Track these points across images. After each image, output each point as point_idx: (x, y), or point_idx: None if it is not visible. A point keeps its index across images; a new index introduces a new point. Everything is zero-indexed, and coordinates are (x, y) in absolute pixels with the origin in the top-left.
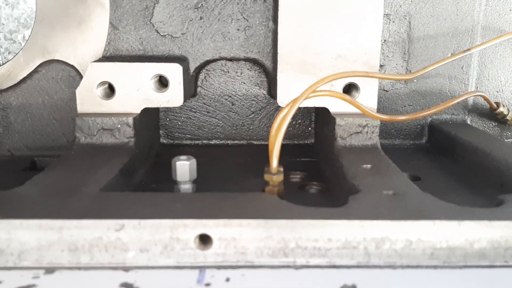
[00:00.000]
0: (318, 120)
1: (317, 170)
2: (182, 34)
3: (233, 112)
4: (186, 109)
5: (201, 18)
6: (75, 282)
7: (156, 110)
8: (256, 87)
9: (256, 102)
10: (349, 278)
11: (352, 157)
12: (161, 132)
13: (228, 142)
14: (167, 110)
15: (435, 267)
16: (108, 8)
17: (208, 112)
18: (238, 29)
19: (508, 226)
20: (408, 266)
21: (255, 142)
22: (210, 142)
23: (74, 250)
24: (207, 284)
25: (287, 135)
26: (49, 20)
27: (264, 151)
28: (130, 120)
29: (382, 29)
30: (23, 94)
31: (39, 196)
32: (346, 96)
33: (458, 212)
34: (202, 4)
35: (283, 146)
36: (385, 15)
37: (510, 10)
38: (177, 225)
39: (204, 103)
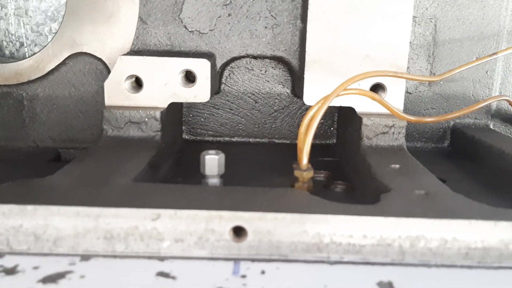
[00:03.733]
0: (341, 120)
1: (340, 170)
2: (210, 30)
3: (256, 110)
4: (209, 106)
5: (229, 15)
6: (112, 270)
7: (180, 106)
8: (279, 85)
9: (279, 101)
10: (384, 275)
11: (379, 157)
12: (183, 128)
13: (250, 139)
14: (190, 106)
15: (469, 267)
16: (138, 3)
17: (231, 109)
18: (266, 27)
19: None
20: (443, 265)
21: (276, 141)
22: (232, 139)
23: (109, 238)
24: (243, 276)
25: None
26: (79, 13)
27: (286, 149)
28: (158, 114)
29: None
30: (50, 86)
31: (72, 184)
32: (376, 96)
33: (493, 212)
34: (230, 1)
35: None
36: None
37: None
38: (212, 217)
39: (228, 100)
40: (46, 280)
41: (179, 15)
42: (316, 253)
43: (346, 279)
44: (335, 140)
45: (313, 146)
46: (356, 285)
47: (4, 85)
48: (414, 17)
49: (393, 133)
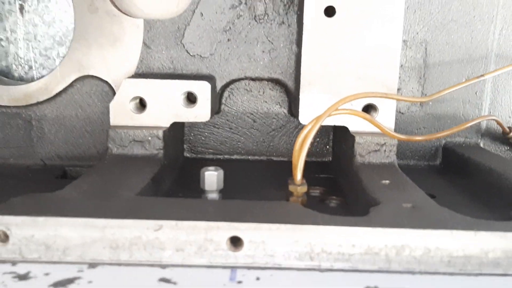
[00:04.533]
0: (336, 138)
1: (336, 186)
2: (211, 54)
3: (255, 129)
4: (210, 125)
5: (228, 40)
6: (117, 276)
7: (181, 125)
8: (277, 105)
9: (277, 120)
10: (372, 281)
11: (370, 173)
12: (185, 146)
13: (249, 157)
14: (192, 125)
15: (451, 274)
16: (142, 29)
17: (230, 128)
18: (263, 51)
19: None
20: (426, 272)
21: (274, 158)
22: (232, 157)
23: (115, 247)
24: (239, 282)
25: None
26: (86, 39)
27: (283, 166)
28: (160, 133)
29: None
30: (58, 107)
31: (80, 198)
32: (367, 115)
33: (474, 223)
34: (230, 27)
35: None
36: (403, 41)
37: None
38: (211, 227)
39: (227, 120)
40: (57, 284)
41: (181, 40)
42: (308, 261)
43: (335, 285)
44: (331, 158)
45: (310, 163)
46: None
47: (14, 106)
48: (406, 41)
49: (385, 151)
